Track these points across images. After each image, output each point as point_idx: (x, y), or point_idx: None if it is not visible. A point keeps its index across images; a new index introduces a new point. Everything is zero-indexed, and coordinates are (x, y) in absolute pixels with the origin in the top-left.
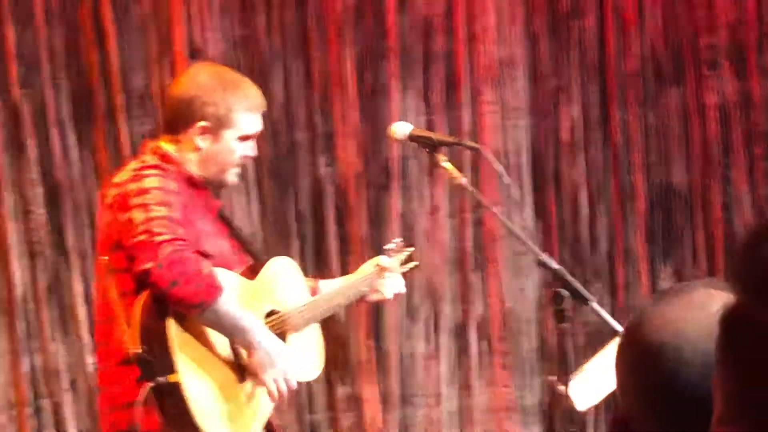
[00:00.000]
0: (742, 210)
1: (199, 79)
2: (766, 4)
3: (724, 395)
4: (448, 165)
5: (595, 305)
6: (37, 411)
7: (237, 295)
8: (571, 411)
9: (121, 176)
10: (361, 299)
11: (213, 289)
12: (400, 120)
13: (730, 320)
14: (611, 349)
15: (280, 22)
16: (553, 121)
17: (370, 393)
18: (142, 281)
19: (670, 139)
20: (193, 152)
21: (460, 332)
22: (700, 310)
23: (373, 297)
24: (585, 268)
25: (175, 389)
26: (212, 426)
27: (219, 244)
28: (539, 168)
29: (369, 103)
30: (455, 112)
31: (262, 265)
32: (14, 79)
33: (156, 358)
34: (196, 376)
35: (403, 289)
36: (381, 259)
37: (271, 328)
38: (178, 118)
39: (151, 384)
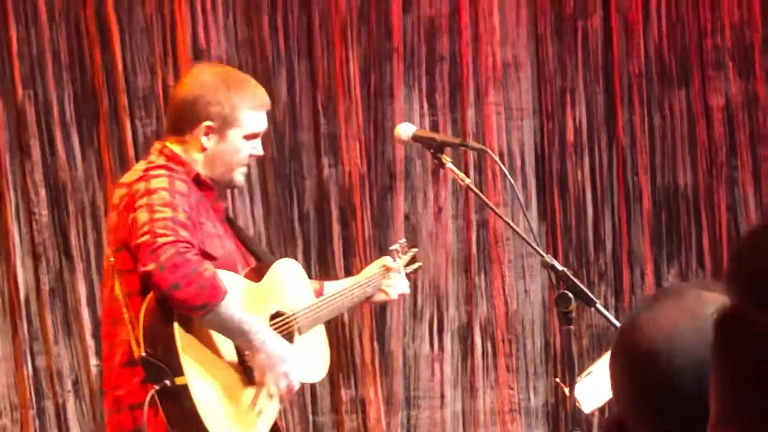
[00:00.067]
0: (748, 211)
1: (203, 79)
2: None
3: (719, 397)
4: (452, 166)
5: (600, 307)
6: (40, 413)
7: (241, 297)
8: (576, 413)
9: (128, 176)
10: (367, 300)
11: (215, 291)
12: (404, 121)
13: (724, 323)
14: None
15: (284, 23)
16: (558, 122)
17: (374, 395)
18: (145, 283)
19: (675, 140)
20: (199, 152)
21: (464, 334)
22: (692, 314)
23: (379, 298)
24: (590, 269)
25: (181, 392)
26: (219, 428)
27: (225, 245)
28: (544, 169)
29: (373, 104)
30: (460, 113)
31: (266, 266)
32: (18, 80)
33: (162, 361)
34: (202, 379)
35: (407, 290)
36: (386, 260)
37: (277, 329)
38: (183, 119)
39: (156, 387)
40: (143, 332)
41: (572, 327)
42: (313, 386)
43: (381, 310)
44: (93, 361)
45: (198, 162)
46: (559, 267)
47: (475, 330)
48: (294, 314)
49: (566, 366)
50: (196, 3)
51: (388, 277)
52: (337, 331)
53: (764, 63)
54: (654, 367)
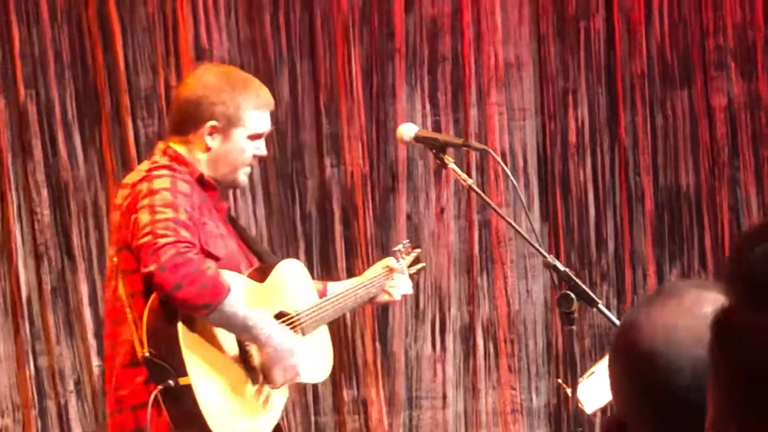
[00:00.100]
0: (750, 212)
1: (206, 80)
2: None
3: (716, 397)
4: (454, 166)
5: (602, 307)
6: (42, 413)
7: (245, 297)
8: (578, 413)
9: (132, 177)
10: (370, 301)
11: (218, 289)
12: (406, 121)
13: (721, 324)
14: None
15: (286, 23)
16: (560, 123)
17: (376, 395)
18: (148, 283)
19: (677, 140)
20: (203, 152)
21: (466, 334)
22: (691, 314)
23: (382, 299)
24: (592, 270)
25: (185, 392)
26: (222, 428)
27: (228, 245)
28: (546, 169)
29: (375, 104)
30: (462, 114)
31: (269, 266)
32: (20, 80)
33: (165, 361)
34: (206, 379)
35: (411, 291)
36: (389, 261)
37: None
38: (187, 119)
39: (160, 387)
40: (147, 332)
41: (574, 327)
42: (315, 386)
43: (383, 311)
44: (95, 361)
45: (202, 162)
46: (561, 267)
47: (477, 330)
48: (298, 314)
49: (568, 366)
50: (198, 2)
51: (392, 278)
52: (339, 331)
53: (767, 63)
54: (653, 367)
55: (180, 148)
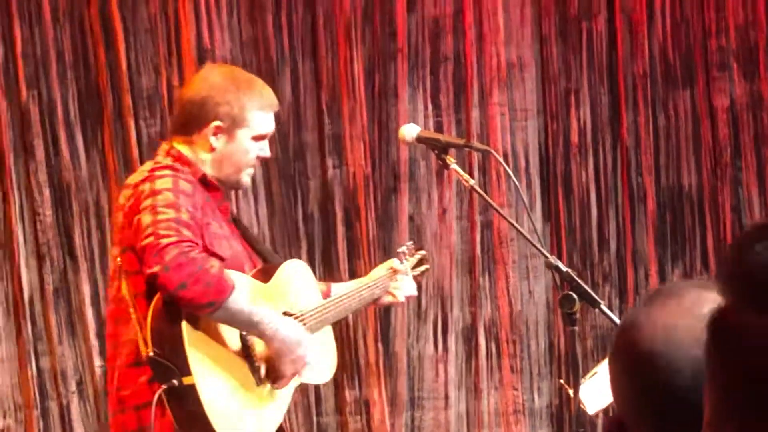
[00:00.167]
0: (752, 212)
1: (211, 80)
2: None
3: (713, 397)
4: (457, 167)
5: (605, 308)
6: (45, 413)
7: (249, 297)
8: (580, 414)
9: (134, 177)
10: (374, 302)
11: (222, 287)
12: (408, 122)
13: (716, 324)
14: None
15: (288, 23)
16: (562, 123)
17: (378, 396)
18: (152, 284)
19: (680, 140)
20: (207, 153)
21: (468, 335)
22: (691, 315)
23: (386, 300)
24: (594, 270)
25: (189, 391)
26: (226, 428)
27: (232, 245)
28: (548, 170)
29: (378, 104)
30: (464, 114)
31: (273, 267)
32: (22, 80)
33: (169, 361)
34: (210, 378)
35: (415, 292)
36: (393, 263)
37: None
38: (192, 119)
39: (164, 386)
40: (151, 332)
41: (576, 328)
42: (317, 387)
43: (385, 311)
44: (97, 361)
45: (205, 162)
46: (564, 268)
47: (480, 331)
48: (302, 315)
49: (570, 367)
50: (200, 2)
51: (396, 279)
52: (342, 332)
53: None
54: (653, 367)
55: (183, 149)
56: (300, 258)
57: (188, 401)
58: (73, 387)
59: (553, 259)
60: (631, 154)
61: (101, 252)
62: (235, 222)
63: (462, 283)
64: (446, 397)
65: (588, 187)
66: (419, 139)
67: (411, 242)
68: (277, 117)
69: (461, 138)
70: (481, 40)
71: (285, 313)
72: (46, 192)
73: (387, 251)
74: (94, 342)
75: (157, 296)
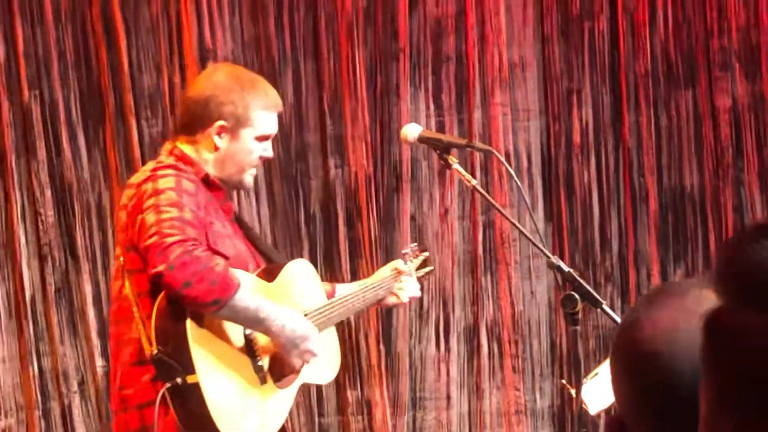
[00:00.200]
0: (754, 212)
1: (215, 79)
2: None
3: (709, 397)
4: (459, 167)
5: (607, 308)
6: (46, 413)
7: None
8: (582, 414)
9: (137, 177)
10: (378, 303)
11: (227, 285)
12: (410, 122)
13: (711, 324)
14: None
15: (290, 23)
16: (564, 123)
17: (380, 396)
18: (156, 284)
19: (681, 141)
20: (211, 152)
21: (470, 335)
22: (693, 315)
23: (390, 301)
24: (596, 270)
25: (193, 390)
26: (229, 427)
27: (235, 245)
28: (550, 170)
29: (380, 104)
30: (466, 114)
31: (277, 267)
32: (24, 80)
33: (173, 359)
34: (214, 377)
35: (419, 293)
36: (398, 264)
37: None
38: (196, 119)
39: (168, 384)
40: (155, 330)
41: (578, 328)
42: (319, 387)
43: (387, 312)
44: (99, 361)
45: (209, 162)
46: (566, 268)
47: (482, 331)
48: (306, 315)
49: (572, 367)
50: (202, 2)
51: (400, 281)
52: (344, 332)
53: None
54: (654, 367)
55: (187, 148)
56: (302, 258)
57: (192, 400)
58: (74, 387)
59: (555, 260)
60: (633, 154)
61: (103, 252)
62: (239, 222)
63: (464, 283)
64: (448, 397)
65: (590, 187)
66: (421, 139)
67: (415, 244)
68: (279, 117)
69: (463, 138)
70: (483, 40)
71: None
72: (48, 192)
73: (389, 251)
74: (95, 342)
75: (162, 295)
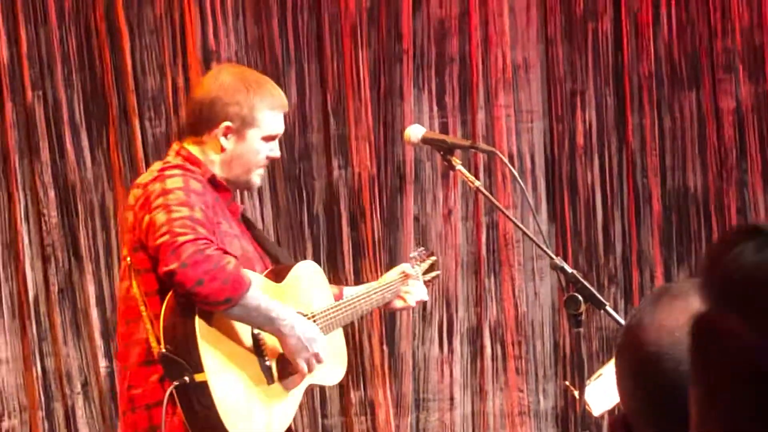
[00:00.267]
0: (758, 213)
1: (221, 80)
2: None
3: (697, 400)
4: (462, 168)
5: (610, 309)
6: (49, 414)
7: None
8: (586, 416)
9: (144, 177)
10: (385, 306)
11: (239, 284)
12: (414, 123)
13: (698, 328)
14: None
15: (294, 25)
16: (568, 125)
17: (383, 397)
18: (168, 282)
19: (685, 142)
20: (217, 153)
21: (474, 336)
22: None
23: (397, 304)
24: (600, 271)
25: (201, 389)
26: (237, 426)
27: (243, 245)
28: (554, 171)
29: (383, 105)
30: (470, 115)
31: (285, 267)
32: (27, 81)
33: (182, 358)
34: (222, 376)
35: (426, 297)
36: (405, 267)
37: None
38: (202, 120)
39: (176, 383)
40: (163, 329)
41: (582, 329)
42: (322, 388)
43: (390, 313)
44: (102, 362)
45: (215, 163)
46: (569, 269)
47: (485, 332)
48: (313, 316)
49: (576, 368)
50: (205, 4)
51: (407, 284)
52: (347, 333)
53: None
54: (658, 368)
55: (194, 149)
56: (305, 259)
57: (199, 398)
58: (78, 388)
59: (558, 261)
60: (637, 155)
61: (106, 253)
62: (246, 223)
63: (467, 284)
64: (451, 398)
65: (593, 188)
66: (425, 140)
67: (423, 248)
68: (283, 118)
69: (467, 139)
70: (487, 42)
71: (298, 313)
72: (52, 193)
73: (392, 252)
74: (99, 343)
75: (170, 294)
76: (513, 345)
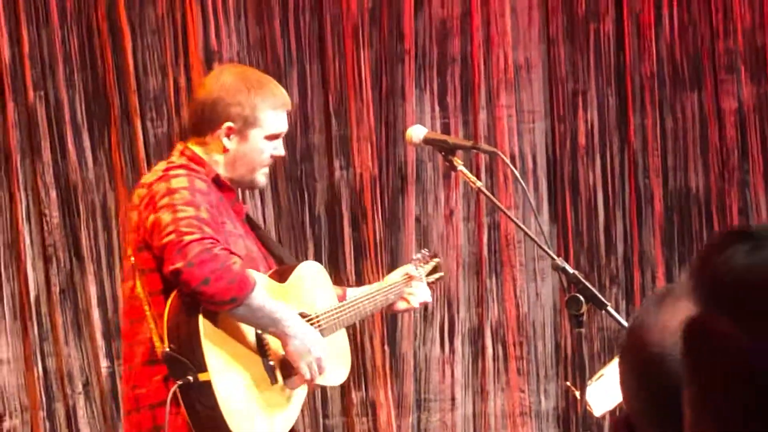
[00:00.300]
0: (760, 214)
1: (222, 81)
2: None
3: (690, 403)
4: (464, 169)
5: (611, 310)
6: (51, 414)
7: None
8: (587, 416)
9: (149, 177)
10: (388, 308)
11: (244, 284)
12: (416, 123)
13: (690, 331)
14: None
15: (296, 25)
16: (569, 125)
17: (385, 397)
18: (173, 281)
19: (687, 143)
20: (220, 154)
21: (475, 336)
22: None
23: (400, 306)
24: (601, 272)
25: (204, 388)
26: (241, 426)
27: (247, 245)
28: (556, 172)
29: (385, 106)
30: (471, 116)
31: (289, 268)
32: (29, 81)
33: (185, 357)
34: (226, 375)
35: (429, 299)
36: (409, 269)
37: None
38: (204, 121)
39: (179, 382)
40: (167, 328)
41: (583, 330)
42: (324, 389)
43: (392, 314)
44: (103, 362)
45: (219, 163)
46: (570, 270)
47: (486, 333)
48: (317, 316)
49: (577, 369)
50: (207, 4)
51: (411, 286)
52: (349, 334)
53: None
54: (662, 369)
55: (197, 149)
56: (307, 259)
57: (203, 397)
58: (79, 388)
59: (560, 261)
60: (639, 156)
61: (108, 253)
62: (250, 223)
63: (469, 285)
64: (453, 399)
65: (595, 189)
66: (426, 141)
67: (426, 250)
68: (287, 117)
69: (468, 140)
70: (489, 42)
71: (301, 314)
72: (53, 193)
73: (394, 253)
74: (100, 343)
75: (175, 293)
76: (514, 345)
